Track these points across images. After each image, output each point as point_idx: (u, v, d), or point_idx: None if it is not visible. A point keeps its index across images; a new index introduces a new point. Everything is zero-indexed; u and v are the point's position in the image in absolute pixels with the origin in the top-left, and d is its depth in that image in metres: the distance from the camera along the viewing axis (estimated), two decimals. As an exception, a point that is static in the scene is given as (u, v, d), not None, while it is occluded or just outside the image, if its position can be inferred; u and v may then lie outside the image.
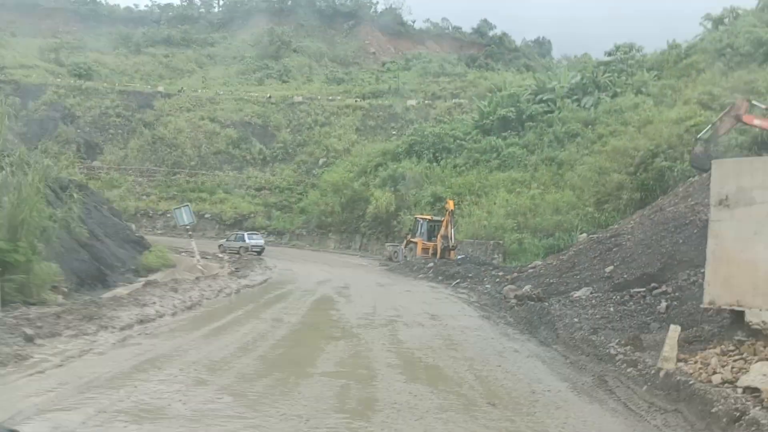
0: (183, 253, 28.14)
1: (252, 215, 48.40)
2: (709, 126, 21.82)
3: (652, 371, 7.45)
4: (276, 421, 5.87)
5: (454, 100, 63.62)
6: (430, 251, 30.63)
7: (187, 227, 21.47)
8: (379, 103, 64.00)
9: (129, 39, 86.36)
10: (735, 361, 7.36)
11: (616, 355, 8.41)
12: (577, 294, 14.37)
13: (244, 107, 62.63)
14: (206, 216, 47.62)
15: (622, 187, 32.79)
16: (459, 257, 29.02)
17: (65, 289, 16.72)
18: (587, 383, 7.72)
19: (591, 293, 14.16)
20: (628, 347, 8.84)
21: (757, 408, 5.76)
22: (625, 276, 14.10)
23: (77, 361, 7.74)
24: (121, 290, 19.28)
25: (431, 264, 27.10)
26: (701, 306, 8.42)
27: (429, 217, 33.04)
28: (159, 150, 56.54)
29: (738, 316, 7.84)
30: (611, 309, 12.08)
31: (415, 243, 31.74)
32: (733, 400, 5.93)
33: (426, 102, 63.99)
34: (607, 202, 33.19)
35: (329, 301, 16.21)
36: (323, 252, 42.03)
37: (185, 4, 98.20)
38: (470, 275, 22.47)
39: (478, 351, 9.87)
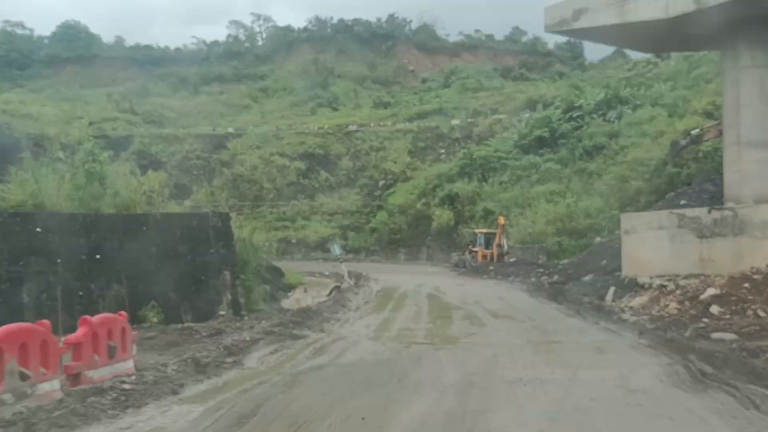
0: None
1: (331, 237, 61.16)
2: (700, 129, 32.84)
3: (598, 305, 19.57)
4: (458, 327, 18.01)
5: (494, 116, 75.47)
6: (489, 257, 42.74)
7: (339, 257, 34.10)
8: (425, 125, 76.29)
9: (185, 80, 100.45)
10: (631, 298, 19.42)
11: (586, 302, 20.53)
12: (584, 278, 26.40)
13: (306, 139, 75.61)
14: (293, 241, 60.55)
15: (641, 192, 44.22)
16: (512, 260, 41.13)
17: (262, 301, 29.33)
18: (571, 313, 19.86)
19: (592, 278, 26.13)
20: (595, 299, 20.93)
21: (625, 311, 17.86)
22: (612, 266, 26.04)
23: (357, 321, 20.07)
24: (288, 302, 31.86)
25: (491, 267, 39.26)
26: (620, 276, 20.55)
27: (485, 230, 45.16)
28: (240, 186, 69.89)
29: (636, 281, 19.90)
30: (598, 284, 24.07)
31: (476, 252, 43.89)
32: (617, 309, 18.05)
33: (468, 120, 76.03)
34: (629, 206, 44.58)
35: (434, 295, 28.41)
36: (397, 264, 54.39)
37: (230, 41, 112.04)
38: (521, 273, 34.57)
39: (526, 309, 22.00)
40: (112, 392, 8.66)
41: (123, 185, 26.77)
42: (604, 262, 27.09)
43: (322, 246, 59.95)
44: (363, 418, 8.13)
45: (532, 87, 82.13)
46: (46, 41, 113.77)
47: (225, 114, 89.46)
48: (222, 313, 22.55)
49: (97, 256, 22.37)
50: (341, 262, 35.25)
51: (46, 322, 8.82)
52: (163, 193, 31.99)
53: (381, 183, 69.36)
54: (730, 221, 18.21)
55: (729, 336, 13.17)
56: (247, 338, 13.88)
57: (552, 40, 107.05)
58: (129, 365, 10.35)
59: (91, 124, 77.99)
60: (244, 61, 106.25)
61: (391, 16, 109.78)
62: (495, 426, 7.86)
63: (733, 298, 16.24)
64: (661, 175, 43.82)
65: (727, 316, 15.48)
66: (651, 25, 19.89)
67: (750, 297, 16.13)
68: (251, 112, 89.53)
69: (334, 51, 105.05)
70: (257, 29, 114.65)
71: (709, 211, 18.98)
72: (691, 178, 39.35)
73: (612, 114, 57.37)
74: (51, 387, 8.48)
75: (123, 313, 10.53)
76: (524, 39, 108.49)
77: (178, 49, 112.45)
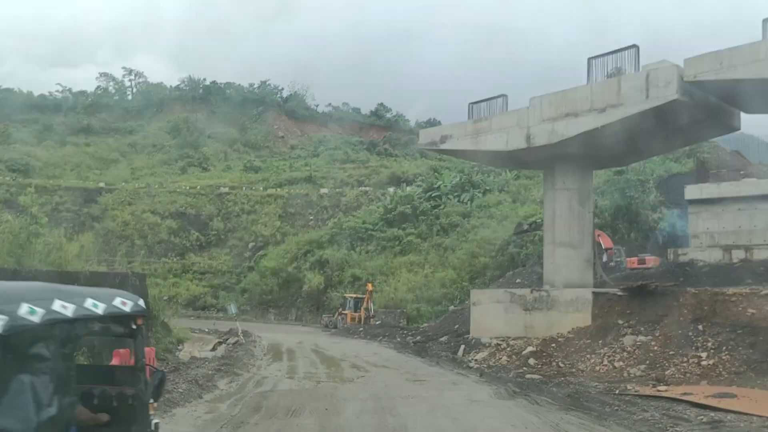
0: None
1: (202, 296, 65.80)
2: (540, 218, 41.73)
3: (452, 358, 26.83)
4: (349, 372, 24.51)
5: (360, 188, 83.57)
6: (357, 319, 49.60)
7: (234, 315, 39.61)
8: (295, 191, 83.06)
9: (50, 129, 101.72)
10: (476, 353, 26.86)
11: (444, 356, 27.77)
12: (441, 339, 33.82)
13: (178, 199, 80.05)
14: (164, 299, 64.42)
15: (487, 267, 52.97)
16: (377, 323, 48.21)
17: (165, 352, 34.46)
18: (433, 363, 26.97)
19: (447, 338, 33.59)
20: (450, 354, 28.22)
21: (471, 362, 25.21)
22: (462, 329, 33.65)
23: (268, 367, 26.06)
24: (181, 354, 36.97)
25: (361, 328, 46.09)
26: (469, 337, 28.04)
27: (354, 295, 52.11)
28: (111, 241, 72.90)
29: (480, 341, 27.41)
30: (452, 343, 31.48)
31: (346, 314, 50.63)
32: (466, 361, 25.37)
33: (336, 190, 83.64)
34: (477, 278, 53.16)
35: (318, 350, 34.70)
36: (269, 324, 59.89)
37: (99, 92, 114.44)
38: (387, 334, 41.61)
39: (398, 361, 28.88)
40: (167, 395, 14.57)
41: (56, 245, 31.53)
42: (457, 326, 34.70)
43: (193, 304, 64.42)
44: (326, 409, 14.59)
45: (395, 163, 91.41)
46: None
47: (93, 167, 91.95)
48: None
49: (37, 308, 27.06)
50: (236, 320, 40.87)
51: (152, 348, 14.77)
52: (92, 253, 36.52)
53: (251, 245, 74.93)
54: (545, 299, 26.18)
55: (536, 376, 20.72)
56: (209, 372, 19.76)
57: (414, 119, 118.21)
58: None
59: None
60: (112, 115, 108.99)
61: (264, 83, 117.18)
62: (401, 412, 14.60)
63: (544, 354, 23.98)
64: (505, 253, 52.95)
65: (540, 366, 23.13)
66: (497, 153, 28.02)
67: (555, 353, 23.91)
68: (120, 167, 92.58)
69: (205, 112, 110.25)
70: (128, 83, 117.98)
71: (531, 292, 26.97)
72: (528, 259, 48.59)
73: (465, 196, 66.73)
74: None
75: (152, 347, 16.38)
76: (388, 115, 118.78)
77: (42, 96, 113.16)
